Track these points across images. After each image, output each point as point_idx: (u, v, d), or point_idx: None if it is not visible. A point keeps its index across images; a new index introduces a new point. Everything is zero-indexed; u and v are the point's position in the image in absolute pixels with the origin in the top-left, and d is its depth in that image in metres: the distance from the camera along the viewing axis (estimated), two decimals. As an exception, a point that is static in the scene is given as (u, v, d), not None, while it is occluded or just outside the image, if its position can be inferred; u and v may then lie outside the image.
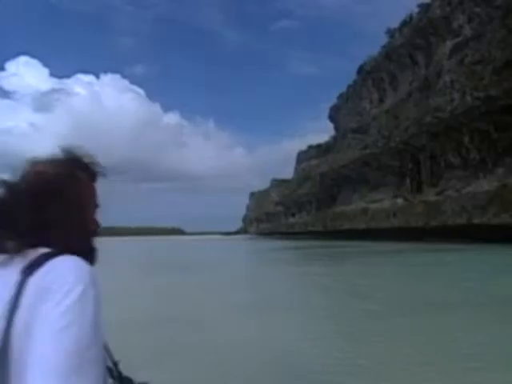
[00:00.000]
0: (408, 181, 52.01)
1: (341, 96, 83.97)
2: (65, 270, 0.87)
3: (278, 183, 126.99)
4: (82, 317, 0.82)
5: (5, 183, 0.99)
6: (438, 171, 46.25)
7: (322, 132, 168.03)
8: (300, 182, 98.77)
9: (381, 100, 65.86)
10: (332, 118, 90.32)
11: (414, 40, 54.56)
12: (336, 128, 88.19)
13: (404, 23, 59.40)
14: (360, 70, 73.16)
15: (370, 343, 6.18)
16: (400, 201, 52.93)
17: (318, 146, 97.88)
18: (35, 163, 1.04)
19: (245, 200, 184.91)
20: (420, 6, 55.12)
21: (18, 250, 0.92)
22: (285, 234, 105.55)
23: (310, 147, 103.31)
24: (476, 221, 37.37)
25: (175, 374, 5.01)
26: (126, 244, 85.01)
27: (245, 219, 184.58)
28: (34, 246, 0.93)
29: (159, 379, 4.75)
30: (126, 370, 0.96)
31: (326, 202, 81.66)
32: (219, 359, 5.55)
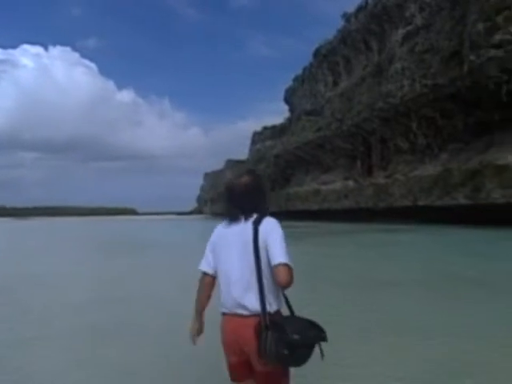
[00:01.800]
0: (359, 164, 53.76)
1: (296, 78, 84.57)
2: (273, 222, 2.36)
3: (232, 164, 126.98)
4: (283, 238, 2.31)
5: (227, 187, 2.54)
6: (387, 155, 48.12)
7: (278, 113, 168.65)
8: (254, 163, 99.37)
9: (335, 83, 67.02)
10: (287, 100, 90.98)
11: (368, 26, 55.70)
12: (291, 110, 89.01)
13: (360, 8, 60.37)
14: (316, 52, 73.88)
15: (328, 323, 6.52)
16: (351, 183, 54.71)
17: (273, 128, 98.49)
18: (241, 175, 2.51)
19: (200, 180, 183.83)
20: (375, -8, 56.23)
21: (246, 215, 2.40)
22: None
23: (265, 128, 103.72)
24: (421, 203, 39.46)
25: (121, 354, 4.98)
26: (77, 224, 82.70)
27: (199, 199, 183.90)
28: (252, 213, 2.40)
29: (105, 359, 4.83)
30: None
31: (279, 183, 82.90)
32: (167, 339, 5.53)
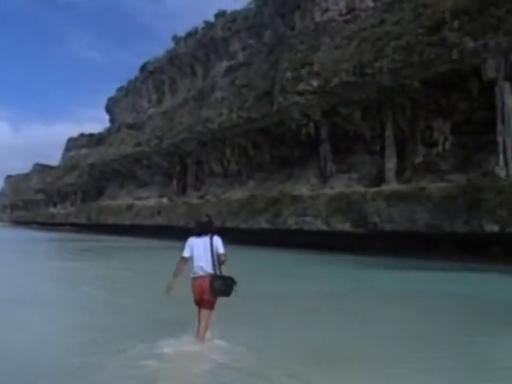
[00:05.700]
0: (175, 182, 55.15)
1: (120, 89, 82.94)
2: (218, 237, 6.18)
3: (41, 168, 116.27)
4: (223, 242, 6.14)
5: (199, 224, 6.46)
6: (202, 176, 50.56)
7: (99, 121, 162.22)
8: (67, 171, 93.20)
9: (159, 101, 67.90)
10: (109, 110, 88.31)
11: (195, 52, 58.43)
12: (111, 120, 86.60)
13: (189, 34, 62.96)
14: (143, 67, 73.92)
15: (122, 336, 6.88)
16: (165, 200, 55.65)
17: (91, 136, 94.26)
18: (203, 220, 6.44)
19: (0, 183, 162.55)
20: (206, 22, 59.53)
21: (206, 234, 6.18)
22: (44, 225, 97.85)
23: (82, 135, 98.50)
24: (229, 225, 42.38)
25: None
26: None
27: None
28: (208, 233, 6.18)
29: None
30: None
31: (92, 194, 79.24)
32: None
